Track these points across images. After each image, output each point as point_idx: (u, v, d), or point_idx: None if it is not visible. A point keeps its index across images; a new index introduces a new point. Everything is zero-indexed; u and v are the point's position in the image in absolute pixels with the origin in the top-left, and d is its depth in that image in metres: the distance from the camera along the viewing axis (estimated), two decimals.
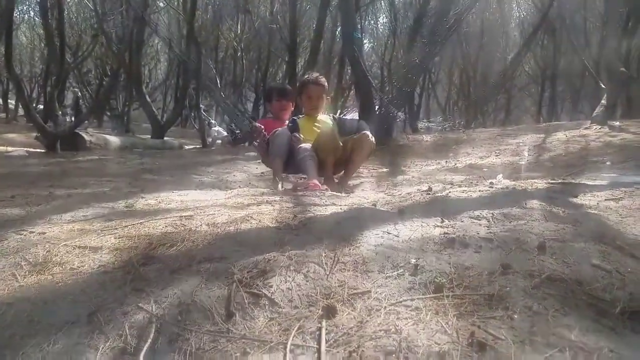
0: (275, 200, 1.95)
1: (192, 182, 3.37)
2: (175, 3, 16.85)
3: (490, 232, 1.31)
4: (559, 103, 18.26)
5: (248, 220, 1.49)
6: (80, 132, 7.45)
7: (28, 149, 7.47)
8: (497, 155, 6.31)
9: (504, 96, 18.56)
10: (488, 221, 1.52)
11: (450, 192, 2.24)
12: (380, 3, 19.34)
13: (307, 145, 3.21)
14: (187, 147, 11.64)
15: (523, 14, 19.06)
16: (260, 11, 19.04)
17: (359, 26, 7.97)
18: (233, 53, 19.51)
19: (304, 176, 3.07)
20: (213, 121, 17.14)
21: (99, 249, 1.22)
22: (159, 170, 4.57)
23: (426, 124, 7.33)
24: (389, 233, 1.33)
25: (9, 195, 2.23)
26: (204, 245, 1.21)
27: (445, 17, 7.47)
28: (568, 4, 12.16)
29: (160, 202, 1.93)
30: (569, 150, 5.98)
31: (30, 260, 1.17)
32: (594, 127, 7.94)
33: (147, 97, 10.45)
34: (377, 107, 7.56)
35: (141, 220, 1.52)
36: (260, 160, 4.03)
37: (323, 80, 3.68)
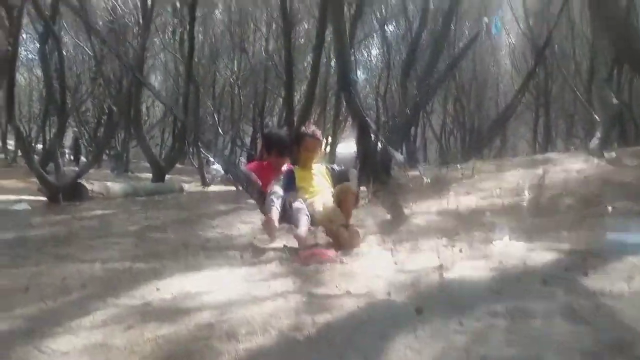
0: (289, 291, 1.97)
1: (198, 250, 3.38)
2: (172, 42, 17.13)
3: (511, 347, 1.33)
4: (553, 128, 18.44)
5: (267, 331, 1.51)
6: (82, 182, 7.47)
7: (31, 200, 7.48)
8: (498, 196, 6.34)
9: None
10: (506, 321, 1.54)
11: (460, 269, 2.26)
12: (373, 37, 19.70)
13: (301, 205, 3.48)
14: (186, 186, 11.67)
15: (513, 43, 19.41)
16: (256, 49, 19.34)
17: (353, 60, 8.12)
18: (230, 89, 19.73)
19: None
20: (212, 159, 17.29)
21: None
22: (164, 227, 4.59)
23: (425, 166, 7.40)
24: (412, 349, 1.35)
25: (23, 285, 2.23)
26: None
27: (440, 56, 7.62)
28: (556, 35, 12.43)
29: (175, 298, 1.95)
30: (568, 189, 6.02)
31: None
32: (591, 160, 8.03)
33: (147, 140, 10.52)
34: (375, 146, 7.62)
35: (162, 332, 1.53)
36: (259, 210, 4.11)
37: (319, 134, 4.02)
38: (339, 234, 3.33)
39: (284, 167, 4.04)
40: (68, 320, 1.72)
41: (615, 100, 8.69)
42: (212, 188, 12.35)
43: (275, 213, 3.40)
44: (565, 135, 18.49)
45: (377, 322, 1.55)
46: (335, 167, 4.37)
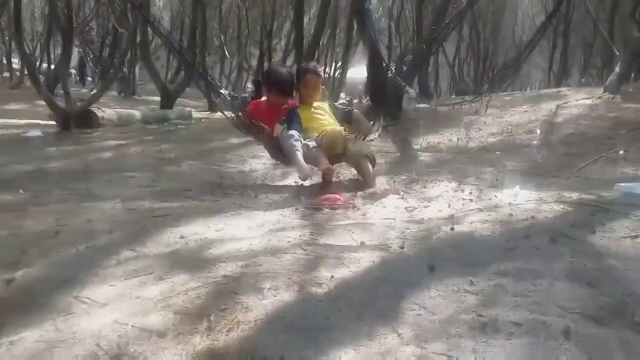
0: (307, 242, 2.07)
1: (214, 189, 3.48)
2: None
3: (518, 311, 1.42)
4: (570, 58, 17.92)
5: (290, 286, 1.61)
6: (93, 109, 7.50)
7: (43, 125, 7.56)
8: (508, 134, 6.34)
9: (514, 51, 18.22)
10: (515, 281, 1.64)
11: (471, 220, 2.34)
12: None
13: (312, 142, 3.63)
14: (194, 111, 11.65)
15: None
16: None
17: None
18: (237, 10, 19.07)
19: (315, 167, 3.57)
20: (219, 84, 17.08)
21: (165, 335, 1.35)
22: (178, 161, 4.68)
23: (437, 101, 7.32)
24: (425, 308, 1.46)
25: (53, 229, 2.35)
26: (259, 334, 1.34)
27: None
28: None
29: (200, 247, 2.06)
30: (579, 129, 6.01)
31: (106, 349, 1.30)
32: (606, 95, 7.89)
33: (154, 65, 10.38)
34: (386, 80, 7.49)
35: (191, 285, 1.65)
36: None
37: (320, 70, 4.07)
38: (364, 169, 3.62)
39: (286, 105, 4.03)
40: (101, 269, 1.84)
41: (638, 35, 8.38)
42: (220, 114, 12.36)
43: (301, 160, 3.51)
44: (582, 66, 17.99)
45: (392, 280, 1.65)
46: (339, 105, 4.38)
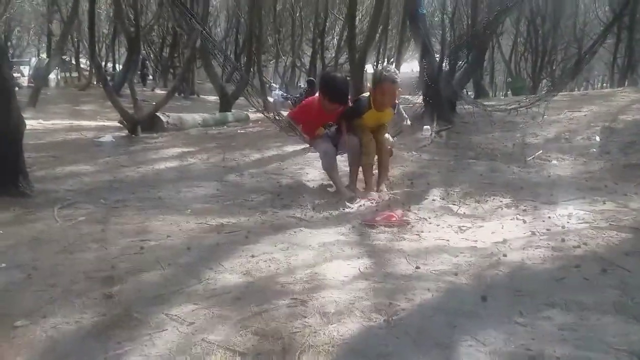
0: (365, 265, 2.25)
1: (274, 200, 3.73)
2: None
3: (564, 346, 1.54)
4: (636, 53, 17.06)
5: (352, 312, 1.80)
6: (158, 114, 7.95)
7: (113, 128, 8.10)
8: (566, 140, 6.24)
9: (575, 46, 17.60)
10: (563, 313, 1.75)
11: (523, 247, 2.44)
12: None
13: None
14: (250, 111, 12.03)
15: None
16: None
17: None
18: (290, 9, 19.38)
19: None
20: (274, 85, 17.46)
21: (246, 355, 1.57)
22: (240, 169, 4.97)
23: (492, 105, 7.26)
24: (476, 339, 1.60)
25: (139, 244, 2.64)
26: (328, 358, 1.53)
27: None
28: None
29: (268, 267, 2.28)
30: None
31: None
32: None
33: (214, 68, 10.80)
34: (440, 83, 7.51)
35: (265, 307, 1.86)
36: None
37: (398, 77, 4.09)
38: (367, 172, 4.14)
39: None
40: (185, 287, 2.09)
41: None
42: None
43: (339, 184, 4.13)
44: None
45: (446, 310, 1.80)
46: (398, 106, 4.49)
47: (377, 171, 4.27)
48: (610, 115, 7.14)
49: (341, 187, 4.07)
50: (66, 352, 1.64)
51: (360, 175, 4.22)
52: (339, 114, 4.26)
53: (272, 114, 4.74)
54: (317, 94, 4.44)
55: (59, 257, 2.49)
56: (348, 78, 5.13)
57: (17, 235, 2.87)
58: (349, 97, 4.47)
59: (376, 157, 4.20)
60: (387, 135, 4.28)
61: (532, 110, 6.69)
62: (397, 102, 4.31)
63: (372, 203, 3.70)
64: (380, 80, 4.01)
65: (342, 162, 4.40)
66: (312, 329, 1.70)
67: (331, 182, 4.29)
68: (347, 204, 3.68)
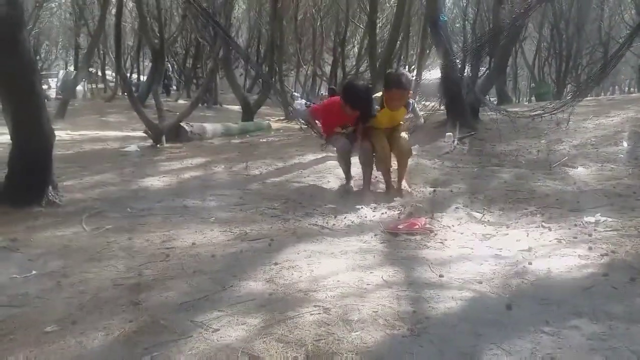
0: (388, 273, 2.25)
1: (296, 206, 3.76)
2: None
3: (592, 356, 1.52)
4: None
5: (376, 320, 1.80)
6: (182, 124, 8.07)
7: (138, 139, 8.27)
8: (592, 145, 6.12)
9: (600, 50, 17.28)
10: (590, 323, 1.72)
11: (549, 255, 2.40)
12: None
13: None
14: (271, 119, 12.15)
15: None
16: None
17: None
18: (311, 18, 19.50)
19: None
20: (296, 93, 17.57)
21: None
22: (262, 177, 5.01)
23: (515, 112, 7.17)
24: (501, 348, 1.58)
25: (164, 252, 2.68)
26: None
27: None
28: None
29: (291, 275, 2.29)
30: None
31: None
32: None
33: (236, 79, 10.95)
34: (463, 90, 7.45)
35: (289, 314, 1.87)
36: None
37: (407, 81, 4.20)
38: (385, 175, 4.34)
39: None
40: (209, 294, 2.12)
41: None
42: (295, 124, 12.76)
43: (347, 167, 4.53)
44: None
45: (471, 318, 1.79)
46: (411, 101, 4.55)
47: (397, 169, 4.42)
48: (638, 120, 6.97)
49: (347, 179, 4.55)
50: (94, 358, 1.68)
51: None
52: (356, 116, 4.40)
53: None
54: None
55: (88, 265, 2.55)
56: (370, 85, 5.18)
57: (47, 243, 2.95)
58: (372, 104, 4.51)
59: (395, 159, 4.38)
60: (403, 134, 4.38)
61: (557, 116, 6.58)
62: (411, 101, 4.44)
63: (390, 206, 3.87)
64: (389, 86, 4.19)
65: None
66: (335, 336, 1.71)
67: (353, 187, 4.49)
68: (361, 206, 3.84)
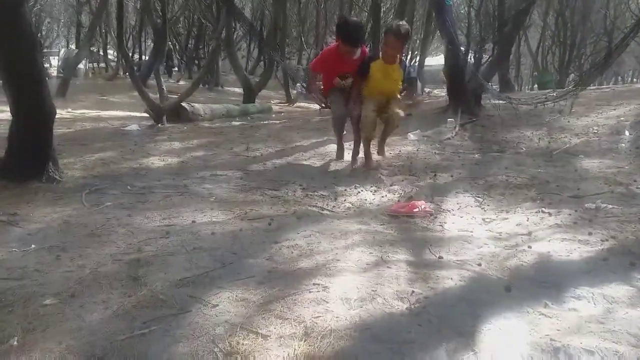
0: (387, 253, 2.25)
1: (297, 188, 3.75)
2: None
3: (591, 338, 1.52)
4: None
5: (375, 299, 1.80)
6: (183, 105, 8.03)
7: (139, 118, 8.24)
8: (594, 134, 6.10)
9: (605, 39, 17.09)
10: (589, 306, 1.72)
11: (549, 238, 2.40)
12: None
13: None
14: (273, 102, 12.08)
15: None
16: None
17: None
18: (315, 1, 19.32)
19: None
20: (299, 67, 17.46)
21: (268, 337, 1.58)
22: (264, 159, 4.99)
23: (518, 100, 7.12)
24: (500, 329, 1.59)
25: (164, 229, 2.68)
26: (350, 343, 1.54)
27: None
28: None
29: (292, 254, 2.29)
30: None
31: (220, 346, 1.55)
32: None
33: (239, 60, 10.87)
34: (465, 76, 7.39)
35: (290, 291, 1.88)
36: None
37: (405, 30, 4.27)
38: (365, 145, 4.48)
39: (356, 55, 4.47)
40: (209, 270, 2.12)
41: None
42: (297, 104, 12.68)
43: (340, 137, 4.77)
44: None
45: (470, 299, 1.79)
46: (411, 69, 4.61)
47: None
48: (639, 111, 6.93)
49: (339, 147, 4.83)
50: (93, 331, 1.68)
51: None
52: (355, 66, 4.45)
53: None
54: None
55: (87, 240, 2.54)
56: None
57: (47, 218, 2.94)
58: (364, 42, 4.63)
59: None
60: (397, 110, 4.45)
61: (560, 105, 6.55)
62: (404, 59, 4.61)
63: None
64: (386, 32, 4.36)
65: None
66: (334, 314, 1.71)
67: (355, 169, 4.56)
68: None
